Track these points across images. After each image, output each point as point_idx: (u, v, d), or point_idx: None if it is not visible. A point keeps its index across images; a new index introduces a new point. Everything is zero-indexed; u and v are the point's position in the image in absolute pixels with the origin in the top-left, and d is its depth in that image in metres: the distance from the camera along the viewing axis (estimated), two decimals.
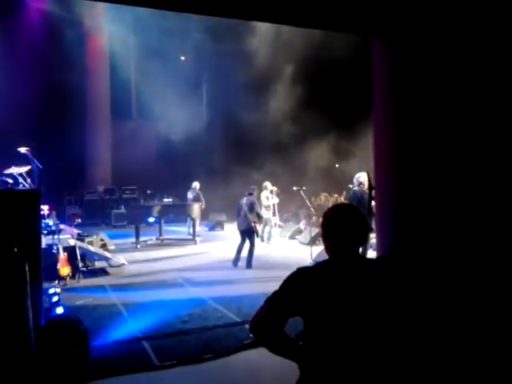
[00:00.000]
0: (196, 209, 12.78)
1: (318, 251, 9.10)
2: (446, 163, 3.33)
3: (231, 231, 13.23)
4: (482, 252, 3.13)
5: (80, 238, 9.47)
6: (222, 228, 15.28)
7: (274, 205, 12.92)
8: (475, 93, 3.24)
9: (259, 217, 9.50)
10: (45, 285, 5.39)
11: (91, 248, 9.37)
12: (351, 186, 8.52)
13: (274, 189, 12.99)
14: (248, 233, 9.37)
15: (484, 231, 3.17)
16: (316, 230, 10.59)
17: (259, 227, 9.88)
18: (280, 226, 13.94)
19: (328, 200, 15.76)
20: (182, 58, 20.06)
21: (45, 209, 8.54)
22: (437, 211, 3.41)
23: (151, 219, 12.68)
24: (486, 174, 3.20)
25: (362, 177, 8.28)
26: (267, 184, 12.66)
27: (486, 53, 3.19)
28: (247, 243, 9.39)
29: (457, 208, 3.25)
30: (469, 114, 3.25)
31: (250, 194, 9.64)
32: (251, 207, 9.31)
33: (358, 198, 8.15)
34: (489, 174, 3.19)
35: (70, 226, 9.22)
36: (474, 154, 3.23)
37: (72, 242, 8.48)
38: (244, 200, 9.51)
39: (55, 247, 7.92)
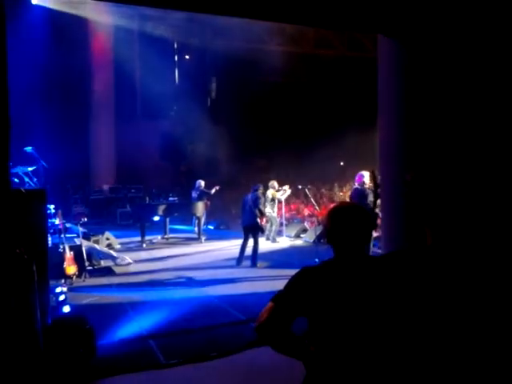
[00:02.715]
0: (201, 207, 12.79)
1: (323, 250, 9.10)
2: (454, 161, 3.32)
3: (236, 230, 13.24)
4: (493, 250, 3.12)
5: (86, 236, 9.51)
6: (228, 227, 15.29)
7: (280, 202, 12.92)
8: (485, 92, 3.22)
9: (261, 213, 9.51)
10: (51, 283, 5.42)
11: (97, 247, 9.42)
12: (355, 185, 8.56)
13: (283, 187, 12.94)
14: (252, 229, 9.38)
15: (494, 228, 3.15)
16: (321, 229, 10.58)
17: (264, 224, 9.89)
18: (286, 225, 13.94)
19: (332, 196, 15.75)
20: (187, 57, 20.07)
21: (51, 208, 8.59)
22: (443, 209, 3.39)
23: (156, 218, 12.71)
24: (496, 173, 3.18)
25: (365, 175, 8.31)
26: (273, 182, 12.61)
27: (497, 51, 3.17)
28: (250, 241, 9.40)
29: (464, 206, 3.24)
30: (480, 113, 3.24)
31: (256, 191, 9.69)
32: (255, 202, 9.37)
33: (359, 196, 8.20)
34: (499, 173, 3.17)
35: (76, 224, 9.26)
36: (482, 151, 3.22)
37: (78, 241, 8.52)
38: (249, 196, 9.59)
39: (61, 246, 7.96)
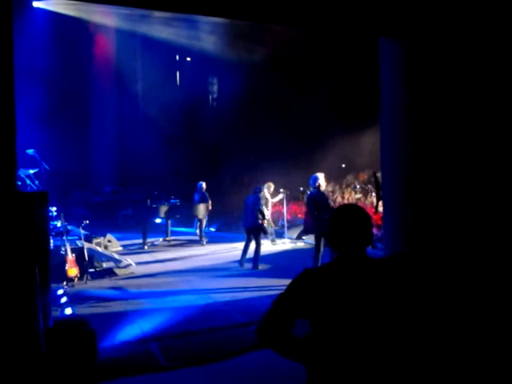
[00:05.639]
0: (202, 209, 12.78)
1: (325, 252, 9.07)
2: (458, 164, 3.30)
3: (238, 232, 13.22)
4: (492, 252, 3.11)
5: (88, 238, 9.50)
6: (229, 229, 15.26)
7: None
8: (491, 94, 3.20)
9: (262, 215, 9.49)
10: (53, 286, 5.41)
11: (99, 249, 9.41)
12: (311, 188, 8.56)
13: (280, 191, 12.87)
14: (254, 231, 9.38)
15: (494, 231, 3.14)
16: None
17: (266, 225, 9.87)
18: (288, 227, 13.88)
19: (334, 199, 15.70)
20: (188, 59, 20.09)
21: (53, 210, 8.60)
22: (446, 212, 3.39)
23: (158, 220, 12.70)
24: (498, 176, 3.17)
25: (320, 177, 8.34)
26: (270, 184, 12.46)
27: (501, 52, 3.15)
28: (253, 243, 9.39)
29: (466, 208, 3.23)
30: (484, 116, 3.22)
31: (257, 192, 9.69)
32: (257, 204, 9.37)
33: (315, 199, 8.23)
34: (501, 176, 3.16)
35: (78, 227, 9.25)
36: (486, 155, 3.21)
37: (80, 243, 8.51)
38: (251, 197, 9.59)
39: (63, 248, 7.95)
